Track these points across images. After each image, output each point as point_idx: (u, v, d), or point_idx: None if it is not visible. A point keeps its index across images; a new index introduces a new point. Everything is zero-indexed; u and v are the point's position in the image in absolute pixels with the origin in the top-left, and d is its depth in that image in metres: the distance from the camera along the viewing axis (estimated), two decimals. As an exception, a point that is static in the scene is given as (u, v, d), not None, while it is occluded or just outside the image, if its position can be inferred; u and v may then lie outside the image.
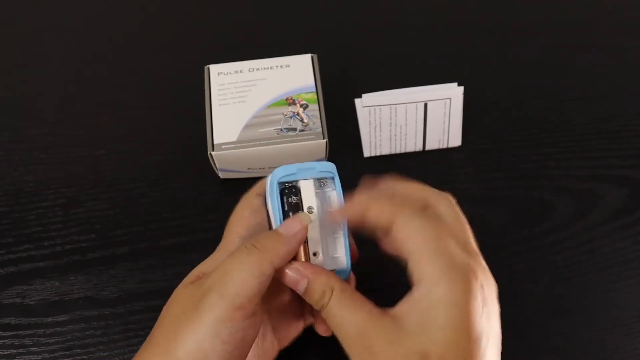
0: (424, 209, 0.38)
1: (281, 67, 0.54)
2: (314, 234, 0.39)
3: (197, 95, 0.54)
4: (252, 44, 0.63)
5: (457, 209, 0.39)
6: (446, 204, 0.39)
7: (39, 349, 0.47)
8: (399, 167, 0.54)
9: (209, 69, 0.54)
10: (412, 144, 0.55)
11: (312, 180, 0.39)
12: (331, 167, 0.40)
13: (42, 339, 0.47)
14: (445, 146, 0.55)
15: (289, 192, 0.39)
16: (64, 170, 0.55)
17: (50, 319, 0.48)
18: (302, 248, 0.39)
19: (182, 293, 0.37)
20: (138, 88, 0.60)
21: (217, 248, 0.41)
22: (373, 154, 0.55)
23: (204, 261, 0.40)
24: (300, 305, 0.43)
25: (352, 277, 0.42)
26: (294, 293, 0.40)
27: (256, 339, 0.39)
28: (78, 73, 0.62)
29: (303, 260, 0.39)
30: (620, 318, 0.47)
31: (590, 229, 0.51)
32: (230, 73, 0.54)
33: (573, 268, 0.49)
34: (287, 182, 0.40)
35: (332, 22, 0.65)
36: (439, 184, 0.54)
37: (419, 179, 0.54)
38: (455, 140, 0.55)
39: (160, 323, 0.36)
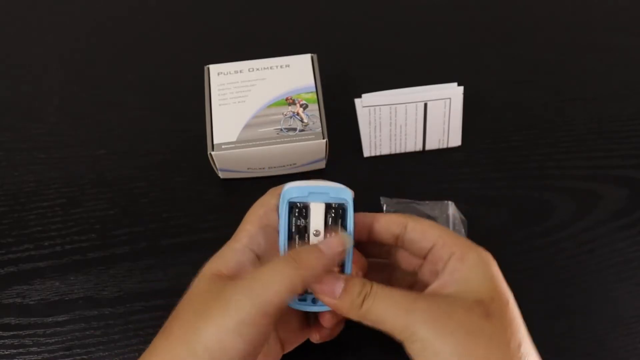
0: None
1: (281, 67, 0.54)
2: None
3: (197, 95, 0.54)
4: (252, 44, 0.63)
5: None
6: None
7: (39, 349, 0.47)
8: (398, 167, 0.55)
9: (209, 69, 0.54)
10: (412, 144, 0.55)
11: (323, 205, 0.39)
12: (346, 193, 0.39)
13: (42, 339, 0.47)
14: (445, 146, 0.55)
15: (299, 214, 0.39)
16: (64, 170, 0.55)
17: (50, 319, 0.48)
18: None
19: (204, 288, 0.37)
20: (138, 88, 0.60)
21: (227, 243, 0.41)
22: (373, 154, 0.55)
23: (215, 257, 0.40)
24: (304, 318, 0.43)
25: None
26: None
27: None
28: (78, 73, 0.62)
29: None
30: (620, 318, 0.47)
31: (590, 229, 0.51)
32: (230, 73, 0.54)
33: (573, 268, 0.49)
34: (298, 202, 0.40)
35: (332, 22, 0.65)
36: (439, 184, 0.54)
37: (419, 179, 0.55)
38: (455, 140, 0.55)
39: (178, 315, 0.37)
